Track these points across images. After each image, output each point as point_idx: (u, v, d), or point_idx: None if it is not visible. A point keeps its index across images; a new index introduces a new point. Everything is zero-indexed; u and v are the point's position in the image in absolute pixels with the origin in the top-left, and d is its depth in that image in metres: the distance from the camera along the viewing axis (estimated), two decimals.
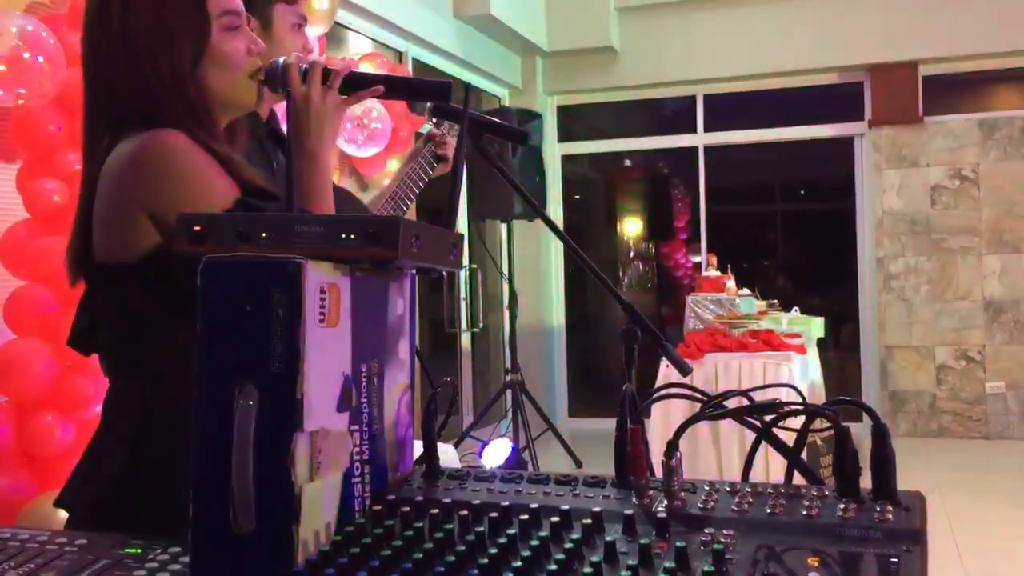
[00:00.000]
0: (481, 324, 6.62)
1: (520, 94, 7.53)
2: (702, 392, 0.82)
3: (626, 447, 0.82)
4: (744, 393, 0.83)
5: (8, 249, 2.77)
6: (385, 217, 0.79)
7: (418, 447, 0.92)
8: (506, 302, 6.25)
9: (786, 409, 0.80)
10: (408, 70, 5.45)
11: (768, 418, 0.83)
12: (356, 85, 1.38)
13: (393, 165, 4.98)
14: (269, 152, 1.74)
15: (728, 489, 0.77)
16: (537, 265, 7.42)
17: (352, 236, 0.80)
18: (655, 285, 10.66)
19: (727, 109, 7.72)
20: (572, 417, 7.70)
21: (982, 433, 6.73)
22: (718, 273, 5.64)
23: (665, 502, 0.76)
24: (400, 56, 5.92)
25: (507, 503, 0.77)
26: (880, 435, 0.75)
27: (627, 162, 10.16)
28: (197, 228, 0.84)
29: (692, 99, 7.65)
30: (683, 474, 0.78)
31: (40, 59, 2.75)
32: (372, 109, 4.39)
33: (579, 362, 8.12)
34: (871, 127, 7.03)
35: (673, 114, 8.19)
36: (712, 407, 0.80)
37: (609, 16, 7.20)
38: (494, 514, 0.75)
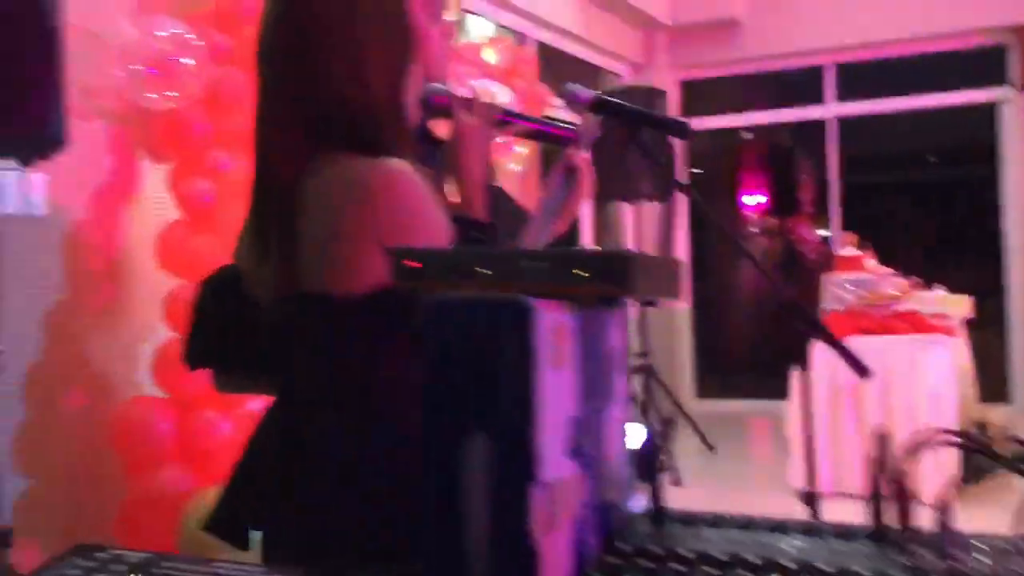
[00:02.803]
0: None
1: (641, 70, 7.39)
2: (984, 444, 0.75)
3: (882, 492, 0.75)
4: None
5: (163, 248, 2.85)
6: (617, 252, 0.74)
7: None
8: None
9: None
10: (532, 52, 5.39)
11: None
12: (507, 120, 1.43)
13: (520, 150, 4.95)
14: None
15: (1013, 548, 0.69)
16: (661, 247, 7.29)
17: (582, 273, 0.75)
18: (779, 260, 10.37)
19: (858, 78, 7.40)
20: (700, 398, 7.57)
21: None
22: (857, 252, 5.41)
23: (939, 561, 0.69)
24: (522, 38, 5.87)
25: (757, 559, 0.72)
26: None
27: (748, 135, 9.89)
28: (413, 264, 0.81)
29: (819, 69, 7.36)
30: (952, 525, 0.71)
31: (189, 61, 2.81)
32: (499, 94, 4.35)
33: (704, 343, 7.97)
34: (1019, 91, 6.62)
35: (798, 85, 7.90)
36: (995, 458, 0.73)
37: None
38: (746, 574, 0.70)
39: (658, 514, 0.83)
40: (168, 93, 2.82)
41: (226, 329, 1.33)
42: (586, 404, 0.80)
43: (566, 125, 1.64)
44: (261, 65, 1.27)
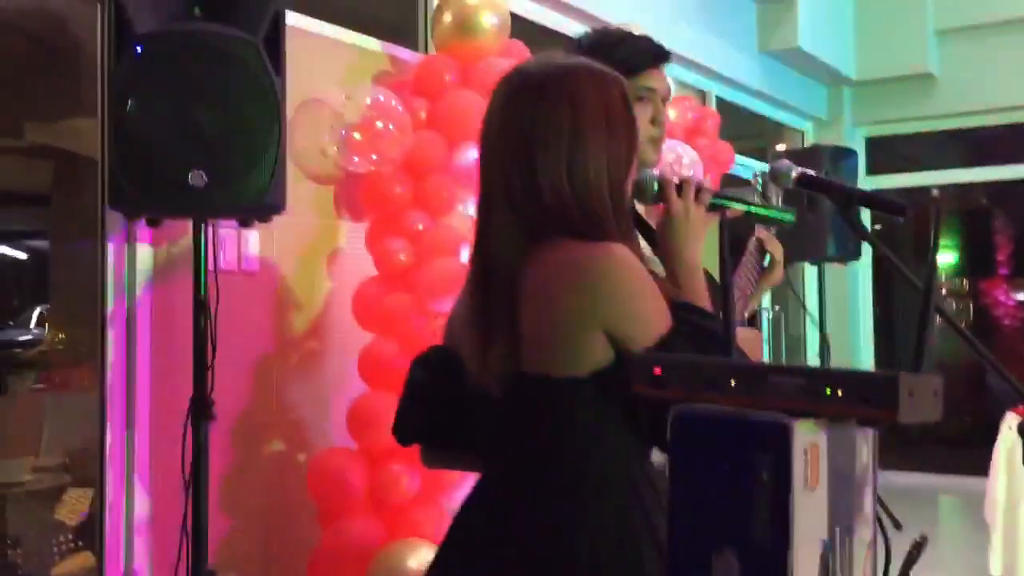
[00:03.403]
0: None
1: (825, 126, 7.19)
2: None
3: None
4: None
5: (359, 304, 2.97)
6: (879, 374, 0.72)
7: None
8: (813, 347, 5.95)
9: None
10: (714, 111, 5.35)
11: None
12: (720, 203, 1.45)
13: None
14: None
15: None
16: (844, 308, 7.02)
17: (839, 393, 0.73)
18: (970, 324, 9.78)
19: None
20: (881, 469, 7.18)
21: None
22: None
23: None
24: (703, 96, 5.84)
25: None
26: None
27: (935, 191, 9.41)
28: (657, 371, 0.81)
29: (1021, 126, 6.94)
30: None
31: (390, 126, 2.94)
32: (683, 155, 4.33)
33: None
34: None
35: (995, 141, 7.49)
36: None
37: (927, 40, 6.70)
38: None
39: None
40: (371, 156, 2.95)
41: (437, 408, 1.37)
42: (836, 525, 0.77)
43: (777, 209, 1.62)
44: (485, 159, 1.32)
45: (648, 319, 1.21)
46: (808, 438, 0.72)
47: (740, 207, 1.48)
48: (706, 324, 1.27)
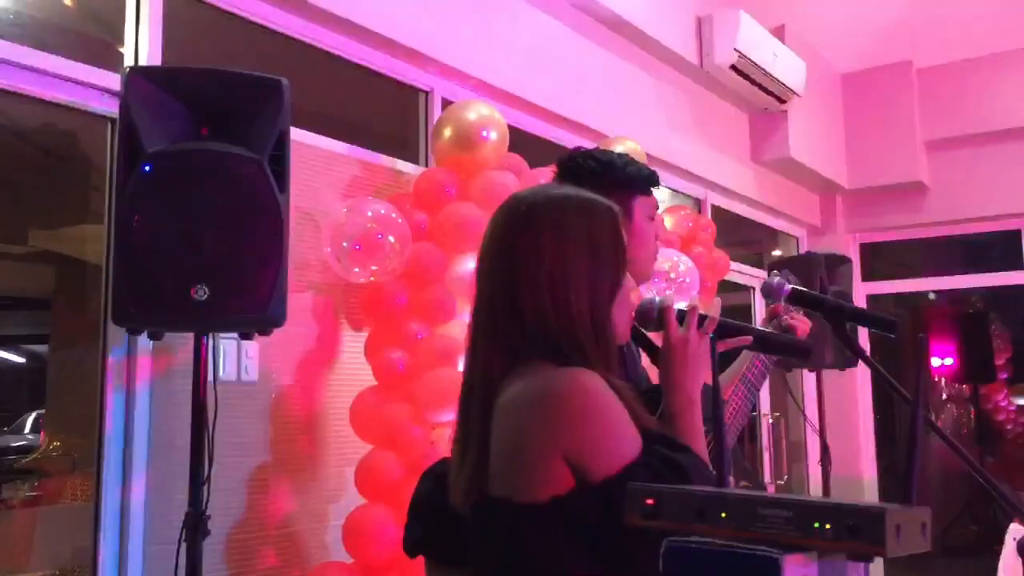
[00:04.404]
0: (786, 476, 6.28)
1: (818, 233, 7.29)
2: None
3: None
4: None
5: (356, 414, 2.96)
6: (867, 508, 0.73)
7: None
8: (813, 453, 5.90)
9: None
10: (709, 220, 5.44)
11: None
12: (725, 332, 1.43)
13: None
14: (634, 352, 1.75)
15: None
16: (844, 414, 6.98)
17: (827, 527, 0.74)
18: (972, 430, 9.71)
19: None
20: None
21: None
22: None
23: None
24: (699, 203, 5.94)
25: None
26: None
27: (932, 296, 9.48)
28: (650, 502, 0.82)
29: (1016, 233, 7.05)
30: None
31: (391, 239, 2.99)
32: (679, 263, 4.38)
33: None
34: None
35: (990, 248, 7.59)
36: None
37: (916, 150, 6.86)
38: None
39: None
40: (371, 267, 3.00)
41: (439, 521, 1.38)
42: None
43: (788, 336, 1.64)
44: (478, 282, 1.36)
45: (610, 449, 1.19)
46: (798, 570, 0.73)
47: (747, 335, 1.47)
48: (675, 457, 1.22)
